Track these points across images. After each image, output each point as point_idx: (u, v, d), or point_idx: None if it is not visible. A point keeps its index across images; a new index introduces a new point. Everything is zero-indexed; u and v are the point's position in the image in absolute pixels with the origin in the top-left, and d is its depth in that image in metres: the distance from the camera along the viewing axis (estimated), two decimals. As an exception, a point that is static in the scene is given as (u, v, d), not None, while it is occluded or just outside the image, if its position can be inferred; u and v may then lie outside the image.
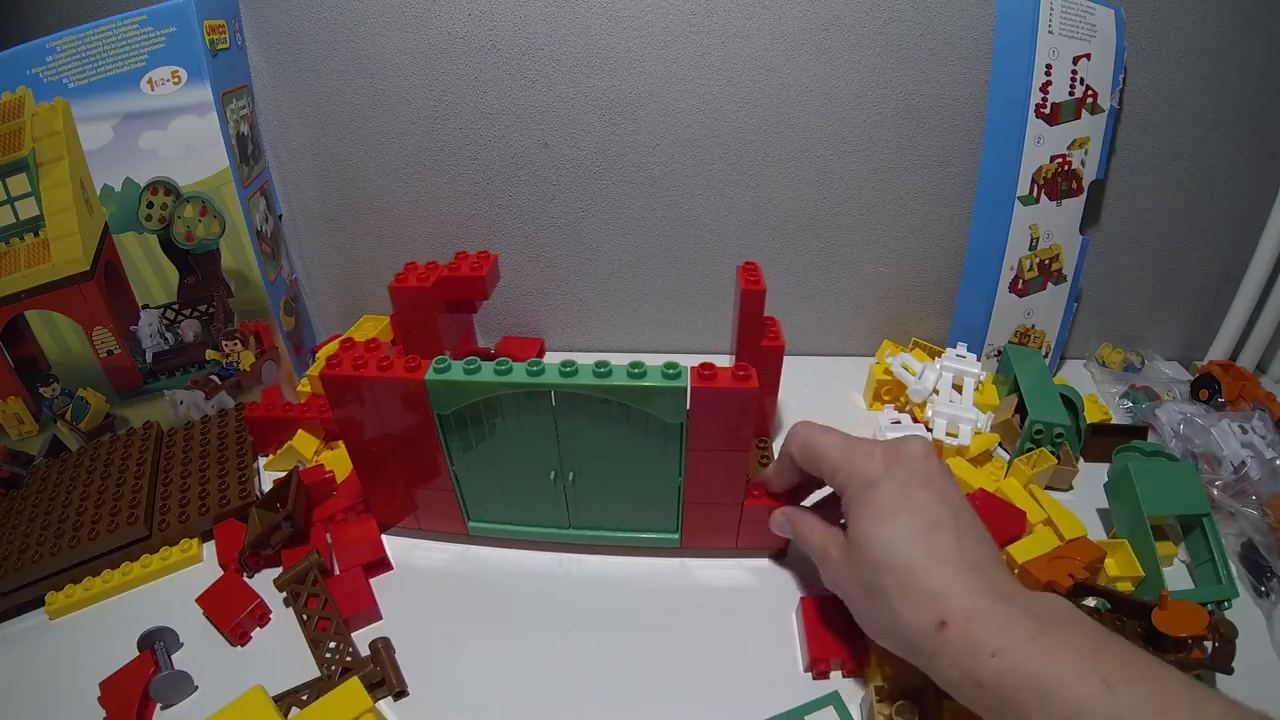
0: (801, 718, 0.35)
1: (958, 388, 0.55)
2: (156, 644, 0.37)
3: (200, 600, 0.40)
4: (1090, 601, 0.39)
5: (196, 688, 0.36)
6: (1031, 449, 0.48)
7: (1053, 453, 0.47)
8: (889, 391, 0.58)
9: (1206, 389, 0.57)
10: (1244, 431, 0.50)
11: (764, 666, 0.37)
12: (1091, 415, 0.53)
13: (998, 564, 0.32)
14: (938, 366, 0.56)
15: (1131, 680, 0.25)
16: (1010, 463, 0.49)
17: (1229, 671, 0.34)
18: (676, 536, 0.43)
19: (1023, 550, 0.41)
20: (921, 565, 0.31)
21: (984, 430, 0.52)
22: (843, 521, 0.35)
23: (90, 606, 0.41)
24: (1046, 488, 0.48)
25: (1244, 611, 0.41)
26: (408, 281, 0.47)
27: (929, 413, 0.52)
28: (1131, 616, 0.37)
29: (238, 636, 0.39)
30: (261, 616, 0.40)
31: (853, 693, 0.36)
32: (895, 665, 0.34)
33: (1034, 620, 0.28)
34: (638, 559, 0.44)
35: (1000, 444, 0.52)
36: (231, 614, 0.39)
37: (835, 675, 0.37)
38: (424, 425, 0.38)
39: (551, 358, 0.53)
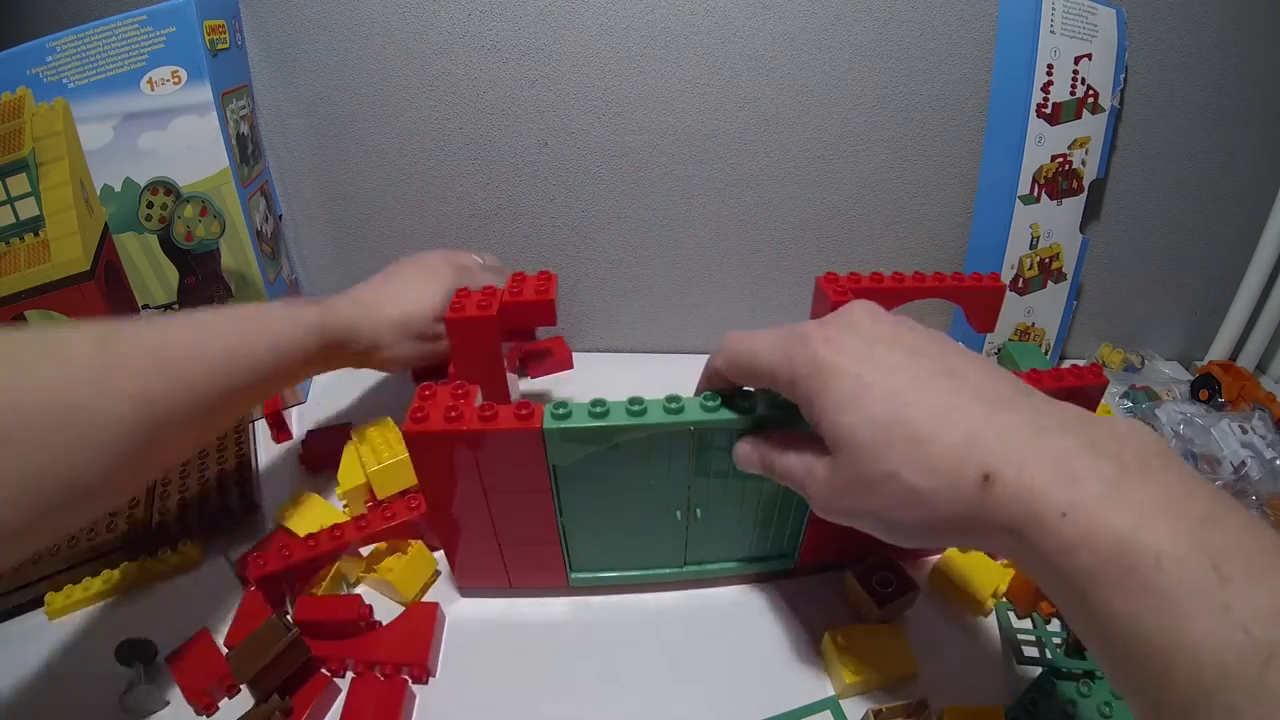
0: None
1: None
2: (134, 661, 0.36)
3: (169, 660, 0.37)
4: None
5: (168, 703, 0.35)
6: None
7: None
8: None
9: (1206, 389, 0.57)
10: (1244, 431, 0.50)
11: (763, 666, 0.37)
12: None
13: (1029, 393, 0.24)
14: None
15: (1253, 570, 0.18)
16: None
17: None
18: (793, 558, 0.41)
19: None
20: (926, 422, 0.23)
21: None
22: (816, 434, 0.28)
23: (89, 607, 0.41)
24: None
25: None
26: (465, 310, 0.41)
27: None
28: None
29: (204, 706, 0.35)
30: (231, 687, 0.36)
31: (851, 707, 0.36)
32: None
33: (1112, 462, 0.20)
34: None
35: None
36: (200, 681, 0.35)
37: (826, 681, 0.36)
38: (534, 478, 0.34)
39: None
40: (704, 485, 0.36)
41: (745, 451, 0.32)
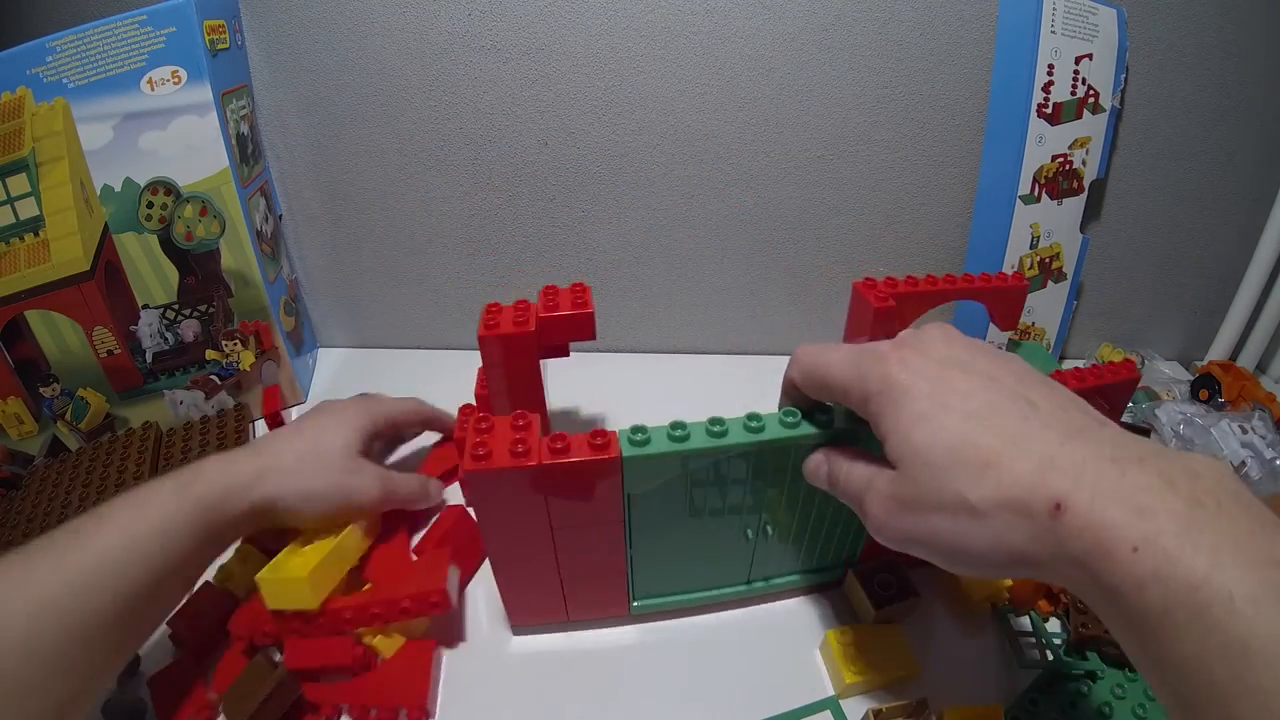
0: None
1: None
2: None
3: (150, 680, 0.35)
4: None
5: (152, 713, 0.35)
6: None
7: None
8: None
9: (1206, 389, 0.57)
10: (1244, 431, 0.50)
11: (763, 665, 0.37)
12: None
13: (1103, 423, 0.24)
14: None
15: None
16: None
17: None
18: (842, 568, 0.40)
19: None
20: (999, 448, 0.23)
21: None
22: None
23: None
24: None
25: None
26: (500, 328, 0.39)
27: None
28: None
29: None
30: None
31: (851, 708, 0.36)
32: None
33: (1186, 500, 0.20)
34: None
35: None
36: (178, 711, 0.34)
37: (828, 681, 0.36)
38: (607, 510, 0.32)
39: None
40: (777, 502, 0.35)
41: (816, 463, 0.32)
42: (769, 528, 0.37)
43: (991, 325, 0.48)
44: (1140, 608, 0.19)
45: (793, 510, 0.36)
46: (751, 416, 0.32)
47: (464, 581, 0.42)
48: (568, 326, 0.41)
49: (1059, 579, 0.22)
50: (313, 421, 0.41)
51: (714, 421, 0.31)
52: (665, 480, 0.32)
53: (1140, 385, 0.59)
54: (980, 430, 0.24)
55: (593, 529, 0.33)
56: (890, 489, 0.26)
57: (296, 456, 0.38)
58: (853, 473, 0.29)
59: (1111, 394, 0.42)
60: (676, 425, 0.31)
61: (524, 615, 0.38)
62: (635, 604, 0.38)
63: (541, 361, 0.43)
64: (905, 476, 0.25)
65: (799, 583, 0.40)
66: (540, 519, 0.32)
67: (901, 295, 0.43)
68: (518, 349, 0.40)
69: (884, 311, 0.41)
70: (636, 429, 0.31)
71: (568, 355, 0.43)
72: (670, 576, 0.38)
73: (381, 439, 0.46)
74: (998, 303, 0.47)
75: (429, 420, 0.49)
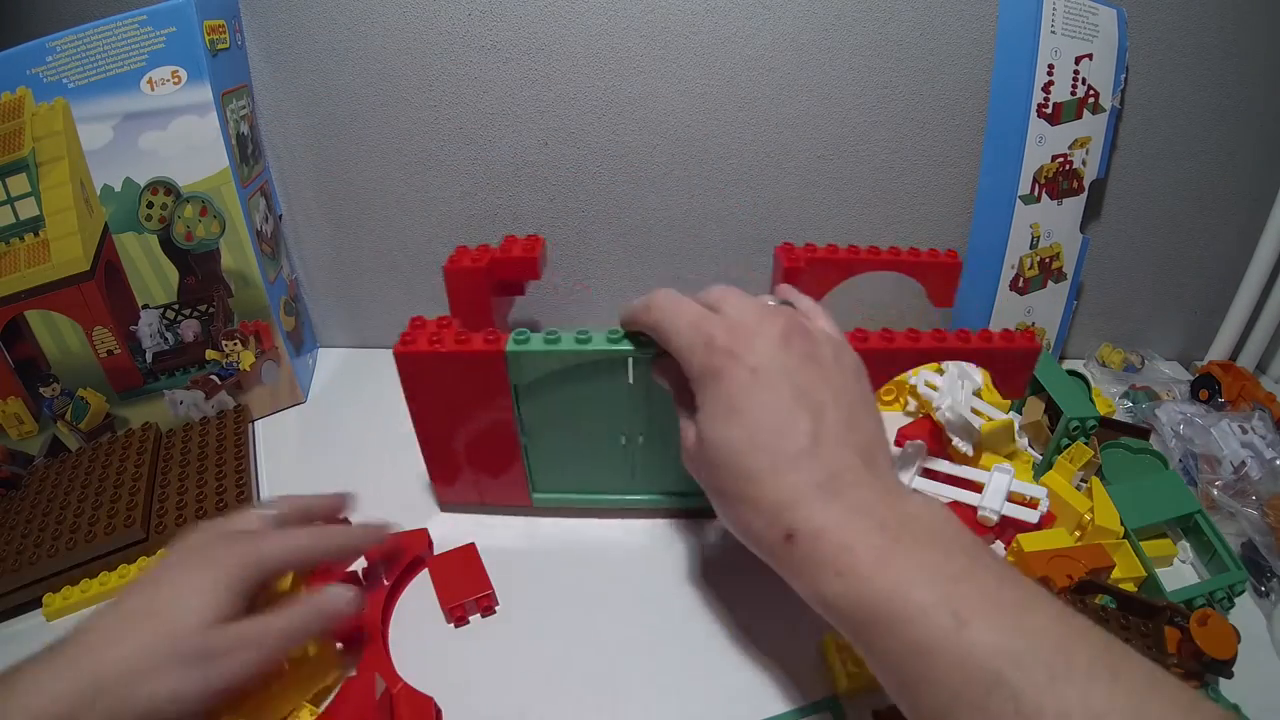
0: None
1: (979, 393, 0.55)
2: None
3: None
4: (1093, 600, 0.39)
5: None
6: (1067, 444, 0.48)
7: (1085, 444, 0.48)
8: (889, 392, 0.58)
9: (1206, 389, 0.57)
10: (1244, 431, 0.50)
11: (763, 666, 0.37)
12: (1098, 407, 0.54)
13: (867, 466, 0.28)
14: (954, 373, 0.55)
15: (988, 615, 0.23)
16: (1045, 460, 0.49)
17: (1229, 675, 0.34)
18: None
19: (1032, 540, 0.41)
20: (765, 473, 0.28)
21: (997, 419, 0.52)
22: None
23: (87, 609, 0.41)
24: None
25: (1244, 611, 0.41)
26: (461, 263, 0.49)
27: (942, 415, 0.51)
28: (1138, 617, 0.37)
29: None
30: None
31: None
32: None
33: (890, 538, 0.26)
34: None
35: (1030, 444, 0.53)
36: None
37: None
38: (499, 397, 0.39)
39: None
40: (642, 413, 0.40)
41: (662, 368, 0.36)
42: (639, 437, 0.41)
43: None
44: (844, 614, 0.26)
45: (653, 423, 0.40)
46: (613, 331, 0.38)
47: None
48: (514, 266, 0.49)
49: (795, 587, 0.28)
50: (156, 586, 0.30)
51: (581, 331, 0.38)
52: (543, 376, 0.38)
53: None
54: (756, 450, 0.28)
55: (492, 413, 0.40)
56: (694, 446, 0.31)
57: (137, 653, 0.27)
58: (680, 403, 0.34)
59: (1002, 362, 0.41)
60: (550, 332, 0.38)
61: (447, 493, 0.46)
62: (535, 495, 0.45)
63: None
64: (701, 449, 0.31)
65: (678, 503, 0.45)
66: (453, 401, 0.40)
67: (817, 260, 0.48)
68: (471, 282, 0.49)
69: (791, 272, 0.48)
70: (520, 332, 0.38)
71: (522, 294, 0.54)
72: (565, 474, 0.44)
73: (268, 586, 0.33)
74: (928, 278, 0.50)
75: (344, 551, 0.37)
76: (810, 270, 0.48)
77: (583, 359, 0.38)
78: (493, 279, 0.50)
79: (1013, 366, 0.42)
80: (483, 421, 0.41)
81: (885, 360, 0.39)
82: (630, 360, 0.38)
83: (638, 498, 0.45)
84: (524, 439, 0.42)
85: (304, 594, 0.34)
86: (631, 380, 0.39)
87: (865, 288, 0.50)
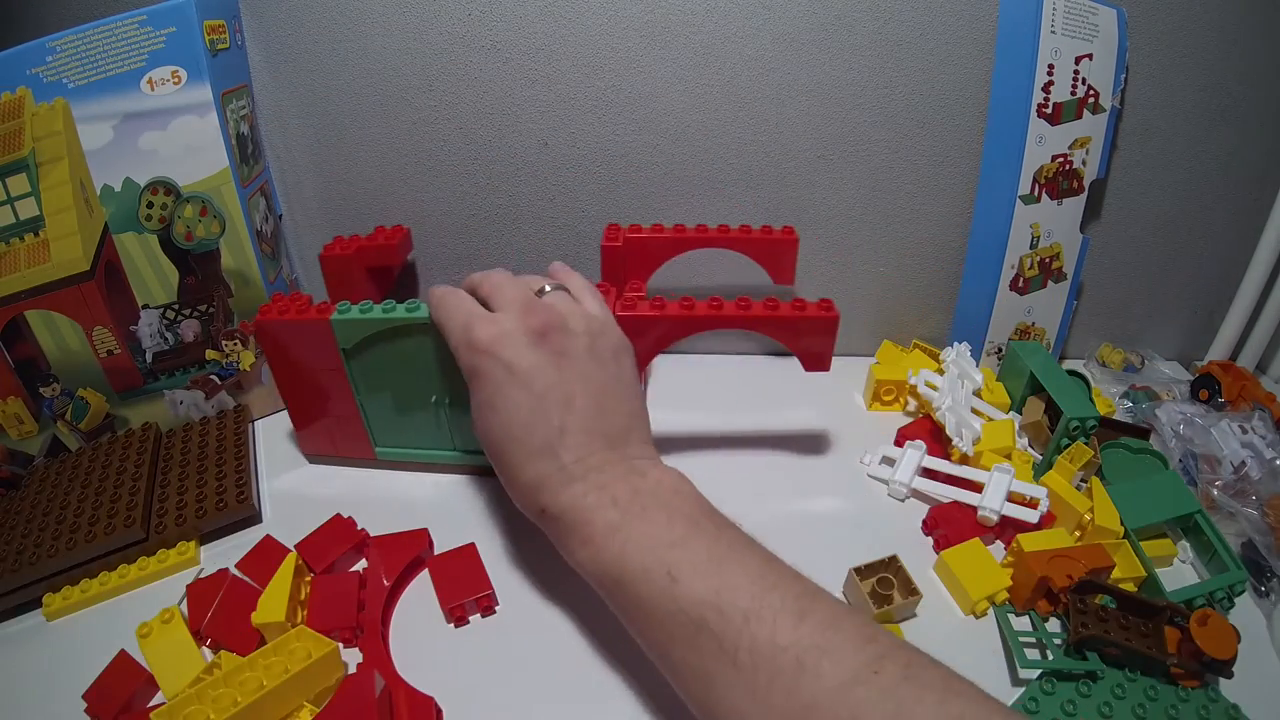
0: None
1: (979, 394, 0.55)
2: None
3: (89, 689, 0.34)
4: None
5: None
6: (1067, 444, 0.48)
7: (1085, 444, 0.48)
8: (889, 392, 0.58)
9: (1206, 389, 0.57)
10: (1244, 431, 0.50)
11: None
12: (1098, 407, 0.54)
13: (611, 448, 0.33)
14: (954, 373, 0.55)
15: (697, 573, 0.28)
16: (1045, 460, 0.49)
17: (1229, 675, 0.34)
18: None
19: (1033, 540, 0.41)
20: (520, 461, 0.33)
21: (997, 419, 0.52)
22: None
23: (87, 609, 0.41)
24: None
25: (1244, 611, 0.41)
26: (334, 250, 0.55)
27: (942, 415, 0.52)
28: (1138, 617, 0.37)
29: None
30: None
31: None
32: None
33: (620, 512, 0.30)
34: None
35: (1030, 444, 0.53)
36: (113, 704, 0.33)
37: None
38: (333, 359, 0.45)
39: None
40: (446, 377, 0.45)
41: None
42: (446, 399, 0.46)
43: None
44: (591, 579, 0.31)
45: (456, 387, 0.44)
46: (413, 303, 0.42)
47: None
48: (378, 254, 0.56)
49: (560, 550, 0.33)
50: None
51: (387, 303, 0.43)
52: (361, 340, 0.43)
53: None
54: (511, 441, 0.33)
55: (330, 374, 0.45)
56: (476, 419, 0.36)
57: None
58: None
59: (812, 329, 0.45)
60: (365, 303, 0.43)
61: (308, 444, 0.51)
62: (378, 449, 0.50)
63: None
64: (475, 430, 0.36)
65: (481, 462, 0.46)
66: (300, 363, 0.45)
67: (640, 239, 0.53)
68: (343, 267, 0.55)
69: (609, 250, 0.52)
70: (344, 304, 0.43)
71: (392, 278, 0.59)
72: (398, 432, 0.49)
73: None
74: (765, 256, 0.53)
75: None
76: (643, 248, 0.53)
77: (389, 324, 0.43)
78: (363, 265, 0.55)
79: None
80: (326, 382, 0.46)
81: (685, 326, 0.45)
82: (431, 329, 0.41)
83: (456, 454, 0.49)
84: (359, 398, 0.47)
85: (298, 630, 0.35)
86: (435, 347, 0.43)
87: (700, 266, 0.53)
